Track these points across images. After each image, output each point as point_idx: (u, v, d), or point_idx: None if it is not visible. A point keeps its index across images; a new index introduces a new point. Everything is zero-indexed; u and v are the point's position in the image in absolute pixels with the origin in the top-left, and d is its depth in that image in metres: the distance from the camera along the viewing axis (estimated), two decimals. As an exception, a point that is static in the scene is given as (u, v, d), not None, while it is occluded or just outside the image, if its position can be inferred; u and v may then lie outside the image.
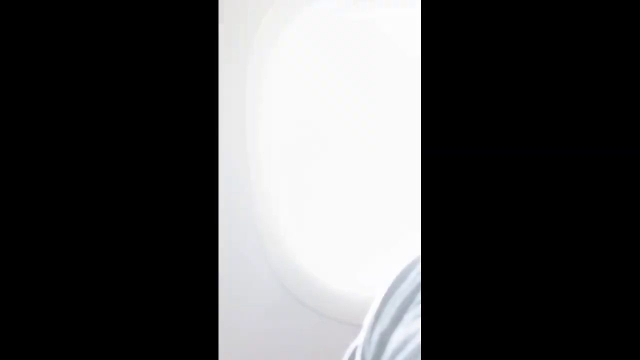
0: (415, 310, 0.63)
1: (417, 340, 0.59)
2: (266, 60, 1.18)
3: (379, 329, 0.65)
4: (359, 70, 1.31)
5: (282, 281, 1.23)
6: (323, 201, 1.31)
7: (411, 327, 0.61)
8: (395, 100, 1.31)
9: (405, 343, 0.60)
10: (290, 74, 1.26)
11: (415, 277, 0.66)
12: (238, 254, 1.23)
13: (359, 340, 0.69)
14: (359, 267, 1.29)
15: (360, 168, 1.33)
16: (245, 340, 1.27)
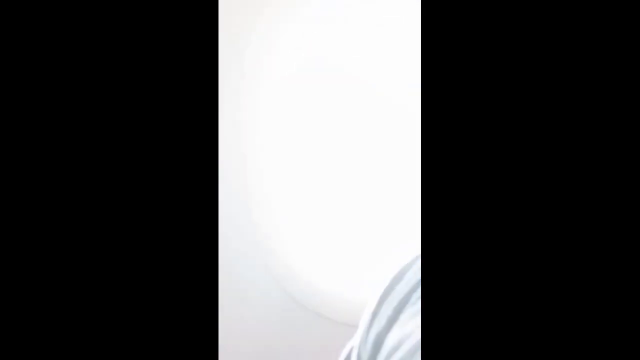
0: (411, 310, 0.63)
1: (413, 340, 0.60)
2: (264, 62, 1.18)
3: (375, 329, 0.65)
4: (360, 71, 1.31)
5: (279, 282, 1.23)
6: (321, 204, 1.31)
7: (407, 327, 0.61)
8: (396, 103, 1.31)
9: (400, 343, 0.60)
10: (289, 75, 1.26)
11: (411, 277, 0.66)
12: (236, 256, 1.23)
13: (355, 341, 0.69)
14: (357, 268, 1.28)
15: (358, 171, 1.33)
16: (243, 341, 1.27)
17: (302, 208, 1.25)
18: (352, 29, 1.26)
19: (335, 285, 1.25)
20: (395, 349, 0.60)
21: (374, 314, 0.66)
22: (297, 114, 1.26)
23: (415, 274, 0.66)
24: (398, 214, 1.32)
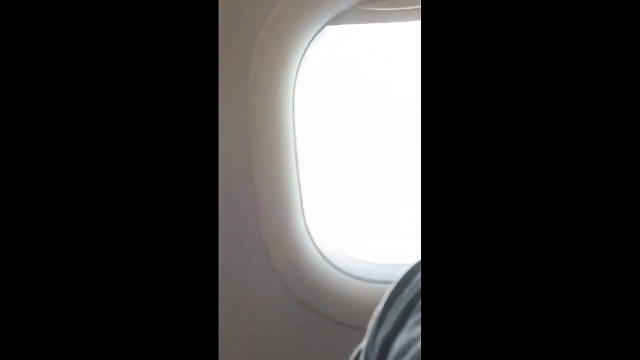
0: (418, 315, 0.63)
1: (419, 345, 0.59)
2: (266, 60, 1.18)
3: (382, 334, 0.65)
4: (363, 72, 1.31)
5: (286, 283, 1.23)
6: (325, 202, 1.31)
7: (414, 331, 0.61)
8: (395, 102, 1.31)
9: (408, 347, 0.60)
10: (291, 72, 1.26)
11: (418, 281, 0.65)
12: (241, 256, 1.23)
13: (363, 344, 0.69)
14: (365, 269, 1.28)
15: (362, 170, 1.33)
16: (248, 343, 1.27)
17: (308, 208, 1.25)
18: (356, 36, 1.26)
19: (344, 287, 1.25)
20: (402, 354, 0.60)
21: (381, 318, 0.66)
22: (301, 111, 1.26)
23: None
24: (406, 213, 1.32)
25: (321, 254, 1.24)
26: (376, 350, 0.65)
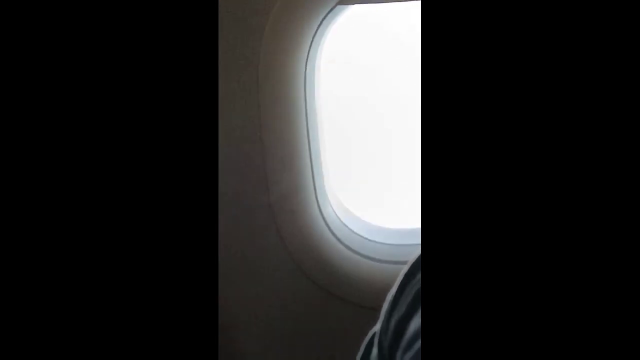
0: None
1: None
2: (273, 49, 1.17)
3: (396, 317, 0.64)
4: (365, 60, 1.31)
5: (300, 265, 1.23)
6: (341, 188, 1.31)
7: (428, 315, 0.61)
8: (396, 100, 1.31)
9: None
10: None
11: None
12: (257, 241, 1.23)
13: (377, 327, 0.69)
14: (377, 251, 1.28)
15: (371, 156, 1.33)
16: (264, 324, 1.27)
17: (323, 194, 1.25)
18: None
19: (358, 268, 1.25)
20: (416, 337, 0.60)
21: (395, 301, 0.66)
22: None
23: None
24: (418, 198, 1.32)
25: (334, 235, 1.24)
26: (390, 333, 0.65)
